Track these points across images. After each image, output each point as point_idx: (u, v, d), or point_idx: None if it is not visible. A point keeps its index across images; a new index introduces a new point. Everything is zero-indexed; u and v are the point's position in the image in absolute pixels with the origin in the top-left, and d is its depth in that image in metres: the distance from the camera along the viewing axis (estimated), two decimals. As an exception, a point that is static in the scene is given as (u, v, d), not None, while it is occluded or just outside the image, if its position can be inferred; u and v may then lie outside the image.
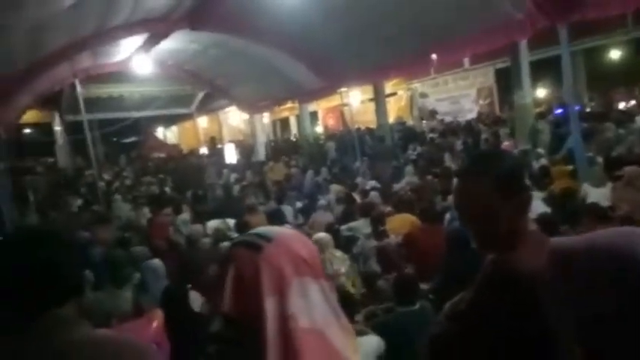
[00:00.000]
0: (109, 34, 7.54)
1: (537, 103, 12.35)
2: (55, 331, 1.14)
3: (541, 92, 16.00)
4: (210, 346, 0.78)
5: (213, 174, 14.04)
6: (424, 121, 15.37)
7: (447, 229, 4.31)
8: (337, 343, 0.83)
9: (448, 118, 14.73)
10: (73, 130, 16.79)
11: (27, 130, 19.34)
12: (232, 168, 16.20)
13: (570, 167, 5.88)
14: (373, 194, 7.02)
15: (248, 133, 20.22)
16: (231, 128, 22.53)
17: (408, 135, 12.99)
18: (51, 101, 13.29)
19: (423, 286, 3.57)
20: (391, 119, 14.66)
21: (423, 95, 16.51)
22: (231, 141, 21.51)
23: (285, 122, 23.82)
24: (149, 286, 4.48)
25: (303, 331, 0.80)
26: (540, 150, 7.60)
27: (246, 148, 19.72)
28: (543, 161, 6.80)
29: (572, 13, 5.19)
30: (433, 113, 15.56)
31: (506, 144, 8.63)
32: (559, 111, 9.79)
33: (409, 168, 8.95)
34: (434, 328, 1.11)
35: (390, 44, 8.11)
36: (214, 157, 20.05)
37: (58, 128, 17.81)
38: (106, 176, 15.37)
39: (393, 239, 4.68)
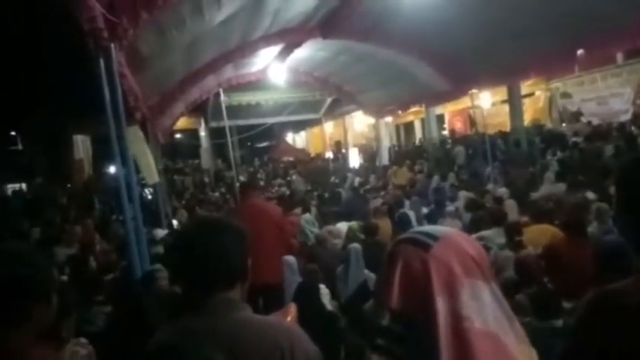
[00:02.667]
0: (251, 46, 8.20)
1: None
2: (225, 312, 1.29)
3: None
4: (379, 340, 0.82)
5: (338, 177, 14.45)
6: (564, 124, 13.98)
7: (601, 243, 3.87)
8: (512, 348, 0.82)
9: (595, 121, 13.20)
10: (215, 135, 18.61)
11: (178, 136, 21.86)
12: (356, 172, 16.49)
13: None
14: (509, 202, 6.59)
15: (372, 137, 20.38)
16: (356, 133, 22.91)
17: (548, 139, 11.93)
18: (198, 109, 14.84)
19: (565, 303, 3.27)
20: (526, 122, 13.61)
21: (566, 95, 15.00)
22: (355, 145, 21.92)
23: (409, 126, 23.52)
24: (287, 282, 4.76)
25: (477, 332, 0.79)
26: None
27: (369, 153, 19.91)
28: None
29: None
30: (577, 115, 14.07)
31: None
32: None
33: (549, 174, 8.22)
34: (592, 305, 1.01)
35: (528, 40, 7.53)
36: (339, 161, 20.61)
37: (203, 134, 19.89)
38: (242, 177, 16.73)
39: (532, 251, 4.34)
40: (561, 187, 7.17)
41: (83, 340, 1.90)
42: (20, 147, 25.91)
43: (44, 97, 20.38)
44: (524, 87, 13.57)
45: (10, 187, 21.15)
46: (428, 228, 0.92)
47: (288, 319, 3.90)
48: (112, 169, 18.39)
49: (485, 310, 0.82)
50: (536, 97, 16.22)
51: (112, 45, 3.57)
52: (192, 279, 1.35)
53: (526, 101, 14.73)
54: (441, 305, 0.80)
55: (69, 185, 17.39)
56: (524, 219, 5.72)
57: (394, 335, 0.80)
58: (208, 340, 1.23)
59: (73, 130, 17.71)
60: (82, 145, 18.08)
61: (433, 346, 0.78)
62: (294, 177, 15.64)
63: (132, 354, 1.85)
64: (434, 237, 0.86)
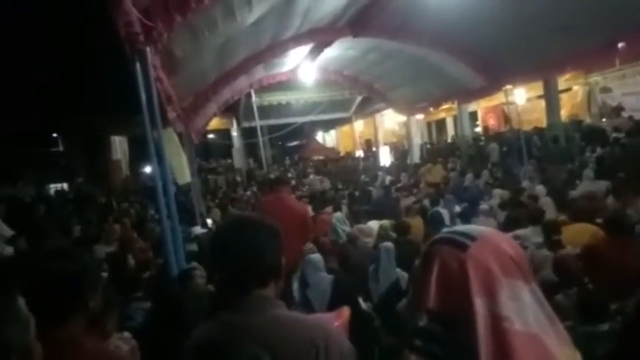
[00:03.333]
0: (281, 47, 8.27)
1: None
2: (260, 308, 1.31)
3: None
4: (417, 340, 0.81)
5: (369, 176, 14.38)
6: (604, 120, 13.46)
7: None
8: (553, 350, 0.80)
9: (638, 115, 12.65)
10: (247, 135, 18.86)
11: (211, 136, 22.24)
12: (386, 170, 16.37)
13: None
14: (545, 200, 6.40)
15: (402, 135, 20.20)
16: (386, 131, 22.75)
17: (587, 135, 11.51)
18: (230, 110, 15.06)
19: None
20: (563, 118, 13.17)
21: (605, 90, 14.44)
22: (385, 143, 21.77)
23: (440, 124, 23.17)
24: (312, 280, 4.79)
25: (517, 333, 0.78)
26: None
27: (400, 151, 19.74)
28: None
29: None
30: (618, 110, 13.51)
31: None
32: None
33: (588, 172, 7.94)
34: None
35: (566, 33, 7.29)
36: (369, 159, 20.52)
37: (235, 133, 20.18)
38: (273, 176, 16.86)
39: (571, 250, 4.21)
40: (601, 184, 6.91)
41: (127, 334, 1.97)
42: (61, 148, 26.96)
43: (83, 99, 21.15)
44: (561, 82, 13.14)
45: (53, 187, 22.04)
46: (464, 228, 0.91)
47: (339, 322, 3.92)
48: (147, 169, 18.95)
49: (525, 310, 0.81)
50: (574, 92, 15.68)
51: (148, 48, 3.67)
52: (228, 276, 1.37)
53: (563, 96, 14.25)
54: (479, 306, 0.79)
55: (107, 185, 17.98)
56: (562, 217, 5.55)
57: (432, 336, 0.80)
58: (245, 337, 1.25)
59: (110, 131, 18.29)
60: (119, 145, 18.66)
61: (472, 346, 0.78)
62: (310, 177, 15.61)
63: (170, 349, 1.90)
64: (471, 237, 0.85)
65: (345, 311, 2.24)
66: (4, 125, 21.56)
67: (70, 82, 21.59)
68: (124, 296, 3.61)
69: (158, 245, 6.05)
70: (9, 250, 6.35)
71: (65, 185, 22.78)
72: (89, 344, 1.31)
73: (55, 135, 26.68)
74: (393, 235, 5.58)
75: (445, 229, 0.92)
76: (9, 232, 6.65)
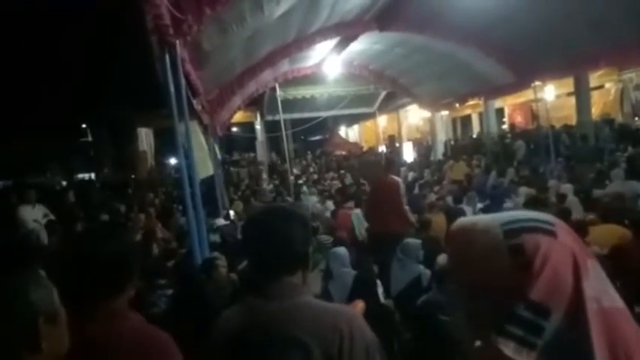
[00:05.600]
0: (307, 40, 8.27)
1: None
2: (288, 295, 1.35)
3: None
4: (513, 328, 0.82)
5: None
6: (637, 119, 13.05)
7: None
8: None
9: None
10: (270, 128, 18.96)
11: (234, 129, 22.44)
12: (410, 166, 16.25)
13: None
14: (571, 199, 6.27)
15: (426, 131, 19.99)
16: (410, 127, 22.54)
17: (619, 134, 11.20)
18: (254, 103, 15.16)
19: (636, 308, 3.08)
20: (594, 116, 12.83)
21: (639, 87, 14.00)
22: (409, 139, 21.58)
23: (466, 120, 22.83)
24: (334, 272, 4.81)
25: (611, 310, 0.79)
26: None
27: (424, 147, 19.55)
28: None
29: None
30: (652, 108, 13.10)
31: None
32: None
33: (617, 171, 7.73)
34: None
35: (600, 28, 7.08)
36: (393, 155, 20.39)
37: (258, 127, 20.31)
38: (295, 170, 16.93)
39: (598, 250, 4.12)
40: (633, 185, 6.72)
41: None
42: (90, 139, 27.66)
43: (112, 92, 21.63)
44: (593, 79, 12.78)
45: (80, 177, 22.66)
46: (529, 214, 0.89)
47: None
48: (172, 161, 19.28)
49: (607, 286, 0.82)
50: (606, 90, 15.22)
51: (177, 41, 3.73)
52: (258, 263, 1.41)
53: (594, 94, 13.87)
54: (587, 290, 0.79)
55: (133, 176, 18.37)
56: (590, 217, 5.44)
57: (533, 326, 0.80)
58: (272, 322, 1.29)
59: (137, 123, 18.65)
60: (145, 137, 19.00)
61: (576, 337, 0.78)
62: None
63: (193, 335, 1.96)
64: (549, 222, 0.85)
65: (359, 303, 2.26)
66: (35, 117, 22.28)
67: (99, 75, 22.10)
68: (147, 284, 3.72)
69: (182, 235, 6.19)
70: (44, 233, 6.60)
71: (92, 175, 23.39)
72: (132, 316, 1.41)
73: (84, 126, 27.39)
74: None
75: (509, 216, 0.89)
76: (41, 217, 6.88)
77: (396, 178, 6.57)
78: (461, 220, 0.97)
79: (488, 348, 0.82)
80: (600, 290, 0.80)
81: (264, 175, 17.44)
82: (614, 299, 0.81)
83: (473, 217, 0.98)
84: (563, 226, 0.85)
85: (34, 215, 6.83)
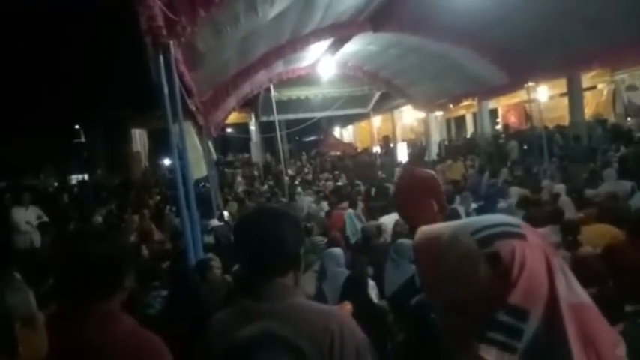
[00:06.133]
0: (302, 41, 8.28)
1: None
2: (280, 296, 1.35)
3: None
4: (493, 334, 0.81)
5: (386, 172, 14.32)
6: (629, 119, 13.14)
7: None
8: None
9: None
10: (265, 129, 18.94)
11: (229, 130, 22.40)
12: (404, 167, 16.29)
13: None
14: (563, 199, 6.31)
15: (421, 131, 20.04)
16: (404, 127, 22.59)
17: (611, 134, 11.29)
18: (248, 104, 15.13)
19: (627, 307, 3.11)
20: (587, 117, 12.91)
21: (632, 88, 14.09)
22: (403, 140, 21.63)
23: (460, 120, 22.92)
24: (329, 273, 4.82)
25: (580, 306, 0.80)
26: None
27: (418, 147, 19.60)
28: None
29: None
30: (644, 109, 13.21)
31: None
32: None
33: (609, 171, 7.79)
34: None
35: (593, 29, 7.14)
36: (387, 155, 20.43)
37: (252, 128, 20.30)
38: (290, 171, 16.92)
39: (591, 250, 4.15)
40: (624, 185, 6.78)
41: None
42: (83, 139, 27.50)
43: (105, 92, 21.53)
44: (586, 79, 12.88)
45: (74, 178, 22.53)
46: (497, 218, 0.88)
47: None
48: (166, 162, 19.22)
49: (573, 281, 0.82)
50: (599, 90, 15.34)
51: (171, 42, 3.72)
52: (249, 264, 1.41)
53: (587, 94, 13.96)
54: (560, 290, 0.79)
55: (127, 177, 18.30)
56: (581, 215, 5.48)
57: (513, 330, 0.79)
58: (265, 323, 1.29)
59: (131, 124, 18.58)
60: (139, 138, 18.94)
61: (557, 336, 0.78)
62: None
63: (188, 335, 1.96)
64: (517, 225, 0.85)
65: (347, 305, 2.26)
66: (28, 118, 22.13)
67: (93, 76, 21.99)
68: (142, 285, 3.71)
69: (176, 236, 6.17)
70: (37, 235, 6.57)
71: (86, 176, 23.26)
72: (125, 319, 1.41)
73: (77, 127, 27.24)
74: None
75: (476, 223, 0.88)
76: (34, 220, 6.85)
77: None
78: (425, 233, 0.94)
79: (471, 356, 0.81)
80: (567, 287, 0.81)
81: (255, 172, 17.46)
82: (579, 294, 0.81)
83: (433, 227, 0.96)
84: (529, 227, 0.86)
85: (27, 217, 6.80)
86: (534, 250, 0.80)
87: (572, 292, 0.81)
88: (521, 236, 0.81)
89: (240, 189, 13.88)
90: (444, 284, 0.85)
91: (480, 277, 0.80)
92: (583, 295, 0.83)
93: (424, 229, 0.95)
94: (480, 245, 0.82)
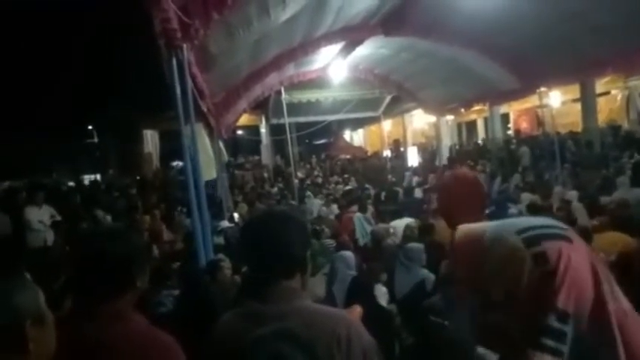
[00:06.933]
0: (313, 45, 8.30)
1: None
2: (286, 299, 1.36)
3: None
4: (546, 340, 0.81)
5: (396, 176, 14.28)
6: (644, 125, 13.00)
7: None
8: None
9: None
10: (275, 131, 19.00)
11: (239, 132, 22.50)
12: (414, 171, 16.23)
13: None
14: (576, 205, 6.25)
15: (431, 136, 19.96)
16: (415, 131, 22.53)
17: (625, 141, 11.16)
18: (259, 106, 15.20)
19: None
20: (600, 123, 12.78)
21: (646, 94, 13.95)
22: (414, 144, 21.56)
23: (471, 125, 22.80)
24: (340, 276, 4.81)
25: (621, 311, 0.79)
26: None
27: (428, 151, 19.53)
28: None
29: None
30: (659, 115, 13.04)
31: None
32: None
33: (623, 178, 7.70)
34: None
35: (607, 34, 7.07)
36: (397, 159, 20.38)
37: (263, 130, 20.37)
38: (300, 174, 16.94)
39: (603, 257, 4.10)
40: (637, 192, 6.69)
41: None
42: (96, 140, 27.82)
43: (118, 93, 21.78)
44: (599, 85, 12.75)
45: (86, 178, 22.77)
46: (542, 220, 0.87)
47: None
48: (178, 163, 19.35)
49: (614, 286, 0.82)
50: (612, 96, 15.19)
51: (184, 45, 3.76)
52: (255, 267, 1.42)
53: (600, 100, 13.82)
54: (606, 294, 0.79)
55: (138, 177, 18.45)
56: (594, 223, 5.41)
57: (563, 335, 0.79)
58: (272, 326, 1.29)
59: (143, 125, 18.74)
60: (150, 139, 19.08)
61: (606, 339, 0.78)
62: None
63: (198, 335, 1.97)
64: (563, 228, 0.84)
65: (357, 309, 2.25)
66: (41, 118, 22.46)
67: (105, 77, 22.26)
68: (154, 285, 3.74)
69: (189, 237, 6.21)
70: (50, 234, 6.66)
71: (98, 176, 23.50)
72: (137, 318, 1.41)
73: (89, 127, 27.57)
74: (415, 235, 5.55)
75: (520, 224, 0.86)
76: (47, 218, 6.94)
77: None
78: (464, 232, 0.94)
79: None
80: (610, 292, 0.80)
81: (265, 174, 17.49)
82: (621, 300, 0.81)
83: (472, 226, 0.95)
84: (573, 231, 0.86)
85: (40, 216, 6.89)
86: (580, 253, 0.80)
87: (615, 297, 0.81)
88: (567, 239, 0.81)
89: (249, 189, 13.95)
90: (486, 283, 0.85)
91: (525, 276, 0.80)
92: (624, 301, 0.82)
93: (463, 229, 0.94)
94: (526, 245, 0.81)
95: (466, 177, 6.33)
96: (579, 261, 0.80)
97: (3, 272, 1.03)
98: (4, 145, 20.26)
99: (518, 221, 0.89)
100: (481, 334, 0.90)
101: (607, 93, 14.91)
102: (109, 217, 8.35)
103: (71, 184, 18.71)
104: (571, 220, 5.10)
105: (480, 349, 2.44)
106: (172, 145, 16.50)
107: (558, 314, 0.79)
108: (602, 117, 13.56)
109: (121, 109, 19.81)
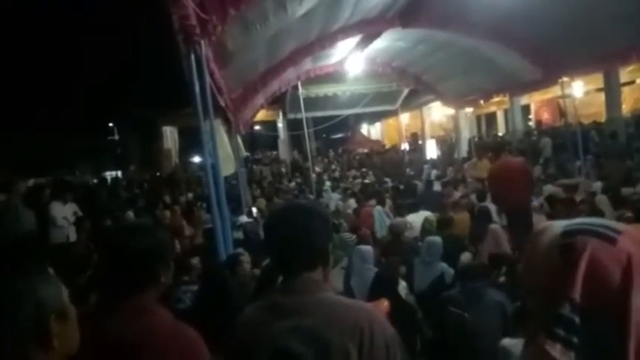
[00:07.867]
0: (330, 39, 8.26)
1: None
2: (309, 291, 1.35)
3: None
4: (557, 329, 0.82)
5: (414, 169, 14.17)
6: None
7: None
8: None
9: None
10: (293, 126, 19.05)
11: (257, 127, 22.61)
12: (433, 164, 16.09)
13: None
14: (600, 197, 6.13)
15: (450, 128, 19.72)
16: (433, 124, 22.31)
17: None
18: (276, 101, 15.24)
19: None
20: (624, 112, 12.45)
21: (673, 82, 13.53)
22: (432, 137, 21.35)
23: (491, 117, 22.46)
24: (357, 269, 4.82)
25: None
26: None
27: (447, 144, 19.32)
28: None
29: None
30: (686, 104, 12.64)
31: None
32: None
33: (649, 169, 7.52)
34: None
35: (631, 22, 6.86)
36: (415, 152, 20.23)
37: (280, 125, 20.44)
38: (317, 168, 16.95)
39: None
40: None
41: None
42: (116, 137, 28.31)
43: (137, 90, 22.10)
44: (624, 74, 12.40)
45: (108, 174, 23.21)
46: (603, 220, 0.89)
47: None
48: (196, 159, 19.57)
49: None
50: (637, 85, 14.78)
51: (202, 41, 3.78)
52: (279, 259, 1.43)
53: (625, 89, 13.46)
54: (636, 302, 0.78)
55: (158, 173, 18.71)
56: (617, 214, 5.30)
57: (574, 326, 0.80)
58: (293, 318, 1.30)
59: (162, 121, 18.98)
60: (170, 135, 19.30)
61: (612, 341, 0.77)
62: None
63: (218, 329, 1.99)
64: (616, 230, 0.84)
65: (384, 302, 2.24)
66: (63, 116, 22.93)
67: (125, 74, 22.58)
68: (173, 280, 3.80)
69: (209, 233, 6.29)
70: (73, 230, 6.80)
71: (119, 173, 23.93)
72: (161, 312, 1.42)
73: (110, 124, 28.05)
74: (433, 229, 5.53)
75: (577, 220, 0.89)
76: (71, 215, 7.08)
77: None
78: (541, 224, 0.99)
79: (536, 348, 0.83)
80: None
81: (283, 169, 17.55)
82: None
83: (553, 222, 0.99)
84: (633, 236, 0.84)
85: (64, 213, 7.03)
86: (616, 253, 0.79)
87: None
88: (609, 238, 0.81)
89: (266, 184, 14.04)
90: (529, 269, 0.89)
91: (550, 265, 0.82)
92: None
93: (543, 223, 0.98)
94: (562, 236, 0.84)
95: (515, 164, 6.36)
96: (609, 259, 0.80)
97: (27, 268, 1.04)
98: (28, 143, 20.78)
99: (581, 220, 0.91)
100: (529, 319, 0.95)
101: (632, 82, 14.50)
102: (131, 213, 8.49)
103: (95, 180, 19.09)
104: (596, 213, 5.00)
105: (506, 340, 2.41)
106: (191, 141, 16.69)
107: (572, 305, 0.79)
108: (626, 107, 13.22)
109: (141, 106, 20.10)
